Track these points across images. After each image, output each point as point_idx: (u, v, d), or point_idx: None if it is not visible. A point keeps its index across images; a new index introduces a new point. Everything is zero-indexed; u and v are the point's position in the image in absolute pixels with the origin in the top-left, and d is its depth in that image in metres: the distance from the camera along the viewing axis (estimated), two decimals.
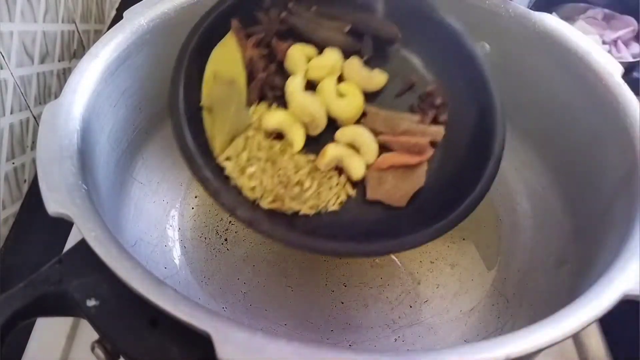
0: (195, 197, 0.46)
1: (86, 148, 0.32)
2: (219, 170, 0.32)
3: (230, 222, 0.45)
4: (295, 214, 0.32)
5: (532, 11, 0.42)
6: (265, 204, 0.32)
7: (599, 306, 0.25)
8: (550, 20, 0.41)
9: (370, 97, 0.36)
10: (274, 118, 0.34)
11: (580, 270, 0.34)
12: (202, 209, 0.45)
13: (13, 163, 0.48)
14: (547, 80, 0.42)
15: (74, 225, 0.27)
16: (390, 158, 0.34)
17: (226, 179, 0.32)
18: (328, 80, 0.35)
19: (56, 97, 0.36)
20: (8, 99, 0.46)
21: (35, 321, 0.40)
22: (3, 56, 0.45)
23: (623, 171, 0.34)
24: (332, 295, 0.40)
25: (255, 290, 0.41)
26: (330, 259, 0.42)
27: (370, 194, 0.34)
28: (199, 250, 0.43)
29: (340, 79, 0.36)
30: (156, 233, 0.42)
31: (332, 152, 0.33)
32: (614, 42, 0.66)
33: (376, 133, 0.35)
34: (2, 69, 0.45)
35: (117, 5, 0.71)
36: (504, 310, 0.39)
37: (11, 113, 0.47)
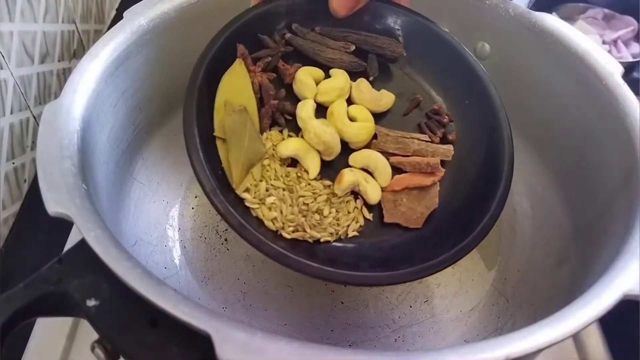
0: (196, 197, 0.46)
1: (86, 148, 0.32)
2: (239, 201, 0.32)
3: None
4: (317, 241, 0.33)
5: (532, 11, 0.42)
6: (287, 233, 0.32)
7: (599, 306, 0.25)
8: (550, 20, 0.41)
9: (377, 117, 0.37)
10: (289, 146, 0.34)
11: (580, 270, 0.34)
12: (202, 209, 0.45)
13: (13, 163, 0.48)
14: (547, 80, 0.42)
15: (74, 225, 0.27)
16: (404, 180, 0.35)
17: (247, 209, 0.32)
18: (338, 103, 0.35)
19: (56, 97, 0.36)
20: (8, 99, 0.46)
21: (35, 321, 0.40)
22: (3, 56, 0.45)
23: (623, 171, 0.34)
24: (332, 295, 0.40)
25: (255, 290, 0.41)
26: None
27: (388, 218, 0.34)
28: (199, 250, 0.43)
29: (348, 100, 0.37)
30: (156, 233, 0.42)
31: (348, 177, 0.33)
32: (614, 42, 0.66)
33: (387, 154, 0.35)
34: (2, 69, 0.45)
35: (117, 5, 0.71)
36: (504, 310, 0.39)
37: (11, 113, 0.47)
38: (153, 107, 0.43)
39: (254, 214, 0.32)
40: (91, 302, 0.26)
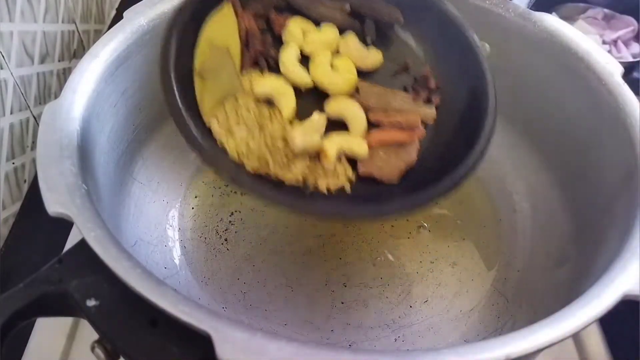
0: (195, 197, 0.46)
1: (86, 148, 0.32)
2: (207, 131, 0.32)
3: (230, 222, 0.45)
4: (281, 182, 0.32)
5: (532, 11, 0.42)
6: (250, 167, 0.31)
7: (599, 306, 0.25)
8: (550, 20, 0.41)
9: (365, 75, 0.36)
10: (266, 84, 0.33)
11: (580, 270, 0.34)
12: (202, 209, 0.45)
13: (13, 163, 0.48)
14: (547, 80, 0.42)
15: (74, 225, 0.27)
16: (381, 134, 0.34)
17: (214, 140, 0.32)
18: (323, 53, 0.35)
19: (56, 97, 0.36)
20: (8, 99, 0.46)
21: (35, 321, 0.40)
22: (3, 56, 0.45)
23: (623, 171, 0.34)
24: (332, 295, 0.40)
25: (255, 290, 0.41)
26: (331, 259, 0.42)
27: (362, 169, 0.33)
28: (199, 250, 0.43)
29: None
30: (156, 233, 0.42)
31: (331, 151, 0.32)
32: (614, 42, 0.66)
33: (368, 109, 0.34)
34: (2, 69, 0.45)
35: (117, 5, 0.71)
36: (504, 310, 0.39)
37: (11, 113, 0.47)
38: (153, 107, 0.43)
39: (219, 144, 0.31)
40: (91, 302, 0.26)
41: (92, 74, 0.35)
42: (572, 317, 0.25)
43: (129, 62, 0.38)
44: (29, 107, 0.50)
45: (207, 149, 0.31)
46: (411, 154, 0.34)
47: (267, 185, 0.31)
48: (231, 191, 0.47)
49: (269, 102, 0.34)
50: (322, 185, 0.32)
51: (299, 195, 0.31)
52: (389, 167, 0.33)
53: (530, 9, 0.42)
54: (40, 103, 0.52)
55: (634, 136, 0.34)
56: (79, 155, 0.31)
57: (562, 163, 0.42)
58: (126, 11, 0.39)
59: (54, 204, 0.27)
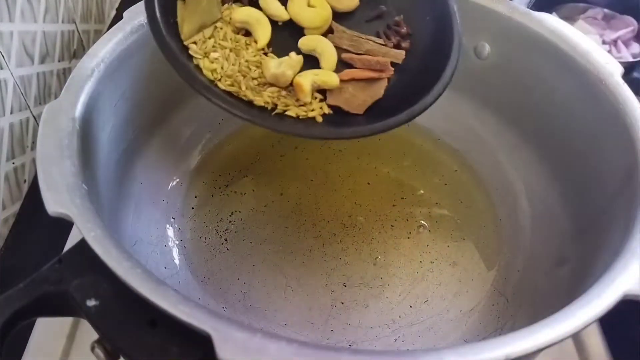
0: (195, 197, 0.46)
1: (86, 148, 0.32)
2: (184, 48, 0.34)
3: (230, 222, 0.45)
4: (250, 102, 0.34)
5: (532, 11, 0.42)
6: (222, 85, 0.34)
7: (599, 306, 0.25)
8: (550, 20, 0.41)
9: (340, 18, 0.38)
10: (242, 12, 0.36)
11: (580, 270, 0.34)
12: (202, 209, 0.45)
13: (13, 163, 0.48)
14: (547, 80, 0.42)
15: (74, 225, 0.27)
16: (352, 72, 0.36)
17: (189, 57, 0.34)
18: None
19: (56, 97, 0.36)
20: (8, 99, 0.46)
21: (35, 321, 0.40)
22: (3, 56, 0.45)
23: (623, 171, 0.34)
24: (332, 295, 0.40)
25: (255, 290, 0.41)
26: (331, 259, 0.42)
27: (330, 100, 0.35)
28: (199, 250, 0.43)
29: None
30: (156, 233, 0.42)
31: (306, 83, 0.34)
32: (614, 42, 0.66)
33: (340, 50, 0.37)
34: (2, 69, 0.45)
35: (117, 5, 0.71)
36: (504, 310, 0.39)
37: (11, 113, 0.47)
38: (153, 107, 0.43)
39: (195, 63, 0.34)
40: (91, 302, 0.26)
41: (92, 74, 0.35)
42: (572, 317, 0.25)
43: (129, 62, 0.38)
44: (29, 107, 0.50)
45: (184, 66, 0.33)
46: (378, 91, 0.36)
47: (237, 101, 0.33)
48: (231, 191, 0.47)
49: (247, 34, 0.36)
50: (292, 113, 0.34)
51: (267, 114, 0.34)
52: (357, 100, 0.36)
53: (530, 9, 0.42)
54: (40, 103, 0.52)
55: (633, 136, 0.34)
56: (79, 155, 0.31)
57: (562, 163, 0.42)
58: (126, 11, 0.39)
59: (54, 204, 0.27)
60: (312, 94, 0.35)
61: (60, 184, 0.28)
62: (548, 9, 0.52)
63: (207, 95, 0.33)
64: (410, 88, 0.36)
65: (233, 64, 0.34)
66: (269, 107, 0.34)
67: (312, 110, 0.35)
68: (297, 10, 0.37)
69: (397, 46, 0.38)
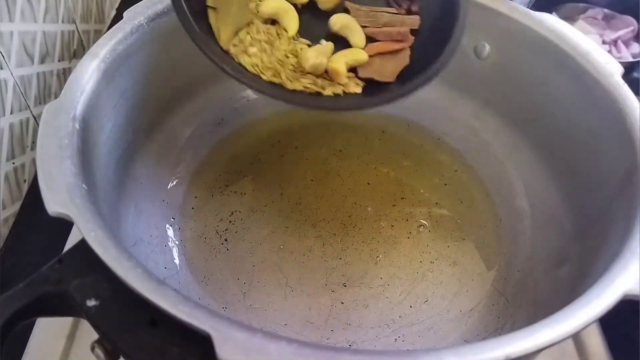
0: (195, 197, 0.46)
1: (86, 148, 0.32)
2: (225, 52, 0.36)
3: (230, 222, 0.45)
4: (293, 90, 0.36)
5: (532, 11, 0.42)
6: (266, 77, 0.35)
7: (599, 306, 0.25)
8: (550, 20, 0.41)
9: None
10: (270, 4, 0.37)
11: (580, 270, 0.34)
12: (202, 209, 0.45)
13: (13, 163, 0.48)
14: (547, 80, 0.42)
15: (74, 225, 0.27)
16: (377, 46, 0.38)
17: (233, 60, 0.36)
18: None
19: (56, 97, 0.36)
20: (8, 99, 0.46)
21: (35, 321, 0.40)
22: (3, 56, 0.45)
23: (623, 171, 0.34)
24: (332, 295, 0.40)
25: (255, 290, 0.41)
26: (331, 259, 0.42)
27: (362, 73, 0.37)
28: (199, 250, 0.43)
29: None
30: (156, 233, 0.42)
31: (341, 67, 0.36)
32: (614, 42, 0.66)
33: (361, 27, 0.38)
34: (2, 69, 0.45)
35: (117, 5, 0.71)
36: (504, 310, 0.39)
37: (11, 113, 0.47)
38: (153, 107, 0.43)
39: (237, 61, 0.36)
40: (91, 302, 0.26)
41: (92, 74, 0.35)
42: (572, 317, 0.25)
43: (129, 62, 0.38)
44: (29, 107, 0.50)
45: (229, 67, 0.35)
46: (404, 59, 0.38)
47: (281, 90, 0.35)
48: (231, 191, 0.47)
49: (272, 22, 0.38)
50: (329, 92, 0.36)
51: (308, 96, 0.36)
52: (386, 70, 0.37)
53: (530, 9, 0.42)
54: (40, 103, 0.52)
55: (633, 136, 0.34)
56: (79, 155, 0.31)
57: (562, 163, 0.42)
58: (126, 11, 0.39)
59: (54, 204, 0.27)
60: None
61: (60, 184, 0.28)
62: (548, 9, 0.52)
63: (256, 90, 0.36)
64: (430, 45, 0.38)
65: (270, 55, 0.36)
66: (308, 92, 0.36)
67: (349, 86, 0.36)
68: None
69: (409, 11, 0.39)
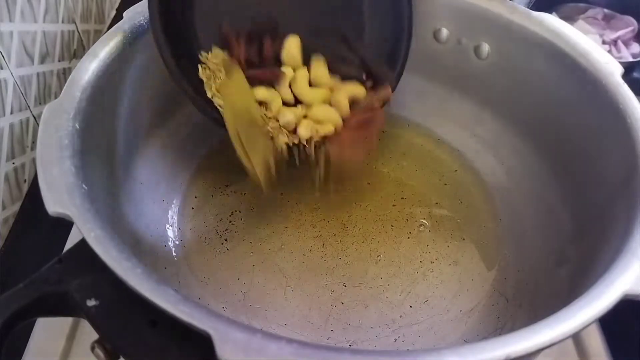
0: (195, 197, 0.46)
1: (86, 148, 0.32)
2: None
3: (230, 222, 0.45)
4: None
5: (532, 11, 0.42)
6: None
7: (599, 306, 0.25)
8: (550, 20, 0.41)
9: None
10: (289, 115, 0.40)
11: (580, 270, 0.34)
12: (202, 209, 0.45)
13: (13, 163, 0.48)
14: (547, 80, 0.42)
15: (74, 225, 0.27)
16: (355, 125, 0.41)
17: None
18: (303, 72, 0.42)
19: (56, 97, 0.36)
20: (8, 99, 0.46)
21: (35, 321, 0.40)
22: (3, 56, 0.45)
23: (623, 171, 0.34)
24: (332, 295, 0.40)
25: (255, 290, 0.41)
26: (331, 259, 0.42)
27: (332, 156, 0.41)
28: (199, 250, 0.43)
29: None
30: (156, 233, 0.42)
31: (307, 131, 0.40)
32: (614, 42, 0.66)
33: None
34: (2, 69, 0.45)
35: (117, 5, 0.71)
36: (504, 310, 0.39)
37: (11, 113, 0.47)
38: (153, 107, 0.43)
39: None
40: (91, 302, 0.26)
41: (92, 74, 0.35)
42: (572, 317, 0.25)
43: (129, 62, 0.38)
44: (29, 107, 0.50)
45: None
46: (374, 138, 0.42)
47: None
48: (231, 191, 0.47)
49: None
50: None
51: None
52: (355, 153, 0.41)
53: (530, 9, 0.42)
54: (40, 103, 0.52)
55: (634, 136, 0.34)
56: (79, 155, 0.31)
57: (562, 163, 0.42)
58: (126, 11, 0.39)
59: (54, 204, 0.27)
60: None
61: (60, 184, 0.28)
62: (548, 9, 0.52)
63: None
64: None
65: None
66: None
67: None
68: (299, 91, 0.41)
69: (376, 82, 0.42)
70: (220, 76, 0.39)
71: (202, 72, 0.39)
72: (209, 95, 0.39)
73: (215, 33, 0.40)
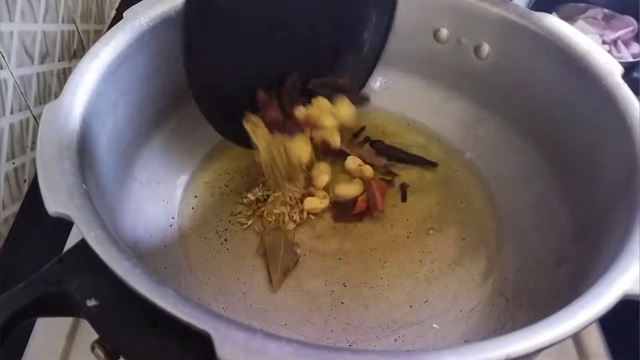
0: (195, 197, 0.46)
1: (86, 148, 0.32)
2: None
3: (230, 222, 0.45)
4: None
5: (532, 11, 0.42)
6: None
7: (599, 306, 0.25)
8: (550, 20, 0.41)
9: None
10: (314, 204, 0.45)
11: (580, 270, 0.34)
12: (202, 209, 0.45)
13: (13, 163, 0.48)
14: (547, 80, 0.42)
15: (74, 225, 0.27)
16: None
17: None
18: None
19: (56, 97, 0.36)
20: (8, 99, 0.46)
21: (35, 321, 0.40)
22: (3, 56, 0.45)
23: (623, 171, 0.34)
24: (332, 295, 0.40)
25: (255, 290, 0.41)
26: (331, 259, 0.42)
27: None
28: (199, 250, 0.43)
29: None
30: (156, 233, 0.42)
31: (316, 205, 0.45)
32: (614, 42, 0.66)
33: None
34: (2, 69, 0.45)
35: (117, 5, 0.71)
36: (504, 310, 0.39)
37: (11, 113, 0.47)
38: (153, 107, 0.43)
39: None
40: (91, 302, 0.26)
41: (92, 74, 0.35)
42: (572, 317, 0.25)
43: (129, 62, 0.38)
44: (29, 107, 0.50)
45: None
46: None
47: None
48: (231, 191, 0.47)
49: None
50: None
51: None
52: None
53: (530, 9, 0.42)
54: (40, 103, 0.52)
55: (634, 136, 0.34)
56: (79, 155, 0.31)
57: (562, 163, 0.42)
58: (126, 11, 0.39)
59: (54, 204, 0.27)
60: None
61: (60, 184, 0.28)
62: (548, 9, 0.52)
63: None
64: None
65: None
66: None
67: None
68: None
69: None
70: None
71: (247, 125, 0.43)
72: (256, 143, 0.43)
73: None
